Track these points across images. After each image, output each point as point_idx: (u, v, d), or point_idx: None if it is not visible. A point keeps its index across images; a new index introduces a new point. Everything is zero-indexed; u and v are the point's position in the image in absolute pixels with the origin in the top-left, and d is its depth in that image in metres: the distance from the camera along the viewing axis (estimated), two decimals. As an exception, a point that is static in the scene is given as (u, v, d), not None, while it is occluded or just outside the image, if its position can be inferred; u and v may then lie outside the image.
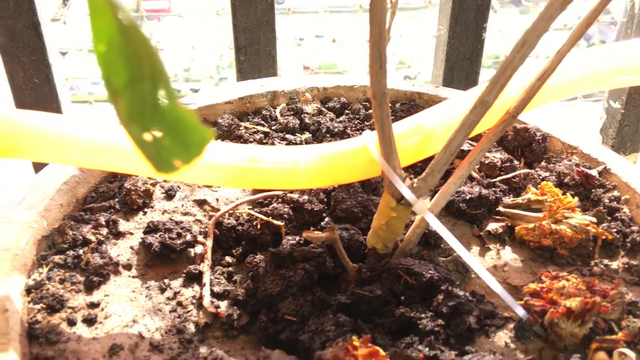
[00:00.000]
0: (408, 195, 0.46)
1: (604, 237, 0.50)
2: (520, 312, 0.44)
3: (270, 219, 0.53)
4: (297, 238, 0.51)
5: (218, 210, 0.57)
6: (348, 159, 0.49)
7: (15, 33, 0.80)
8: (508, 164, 0.58)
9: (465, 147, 0.60)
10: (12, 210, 0.50)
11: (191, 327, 0.46)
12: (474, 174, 0.58)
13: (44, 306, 0.44)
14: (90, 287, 0.47)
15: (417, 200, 0.47)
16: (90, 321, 0.44)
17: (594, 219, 0.51)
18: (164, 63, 0.22)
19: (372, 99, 0.45)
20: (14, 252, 0.46)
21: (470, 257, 0.45)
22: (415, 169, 0.61)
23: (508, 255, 0.51)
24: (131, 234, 0.53)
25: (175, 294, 0.48)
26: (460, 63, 0.90)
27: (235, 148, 0.48)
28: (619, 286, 0.44)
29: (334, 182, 0.51)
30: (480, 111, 0.44)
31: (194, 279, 0.50)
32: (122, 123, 0.25)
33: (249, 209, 0.55)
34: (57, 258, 0.48)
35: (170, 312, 0.47)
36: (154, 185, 0.58)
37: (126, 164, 0.45)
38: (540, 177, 0.57)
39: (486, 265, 0.51)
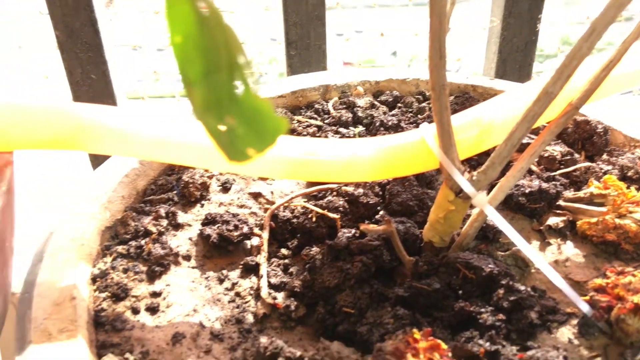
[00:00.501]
0: (467, 188, 0.46)
1: (671, 232, 0.48)
2: (585, 307, 0.43)
3: (325, 211, 0.53)
4: (353, 231, 0.51)
5: (273, 203, 0.57)
6: (406, 152, 0.49)
7: (74, 30, 0.82)
8: (568, 157, 0.57)
9: (524, 139, 0.59)
10: (76, 201, 0.52)
11: (250, 318, 0.46)
12: (534, 167, 0.57)
13: (109, 295, 0.46)
14: (152, 277, 0.48)
15: (477, 193, 0.46)
16: (153, 310, 0.45)
17: (661, 214, 0.49)
18: (243, 51, 0.22)
19: (431, 91, 0.45)
20: (79, 242, 0.48)
21: (532, 251, 0.44)
22: (470, 162, 0.60)
23: (570, 250, 0.50)
24: (189, 225, 0.54)
25: (233, 284, 0.49)
26: (514, 55, 0.89)
27: (294, 141, 0.48)
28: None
29: (392, 175, 0.50)
30: (544, 103, 0.43)
31: (251, 270, 0.50)
32: (197, 113, 0.25)
33: (304, 201, 0.56)
34: (120, 248, 0.49)
35: (229, 302, 0.47)
36: (210, 178, 0.59)
37: (188, 156, 0.46)
38: (602, 171, 0.55)
39: (547, 260, 0.50)
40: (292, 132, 0.64)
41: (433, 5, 0.41)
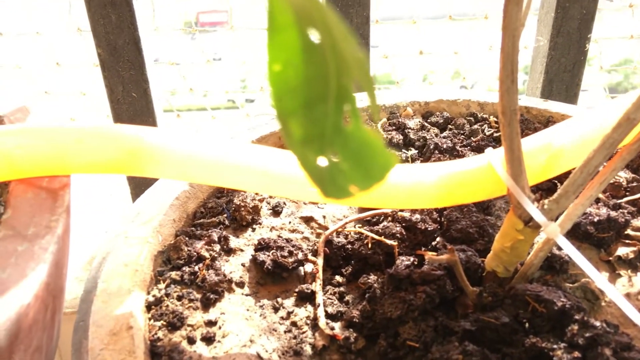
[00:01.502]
0: (538, 217, 0.44)
1: None
2: (666, 347, 0.40)
3: (382, 238, 0.51)
4: (412, 259, 0.49)
5: (325, 227, 0.56)
6: (472, 179, 0.47)
7: (117, 48, 0.82)
8: (634, 184, 0.55)
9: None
10: (128, 225, 0.51)
11: (308, 349, 0.44)
12: (600, 195, 0.55)
13: (165, 323, 0.44)
14: (207, 305, 0.47)
15: (548, 223, 0.44)
16: (209, 340, 0.44)
17: None
18: (364, 77, 0.20)
19: (500, 115, 0.43)
20: (133, 268, 0.47)
21: (607, 282, 0.42)
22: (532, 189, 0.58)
23: (642, 283, 0.48)
24: (242, 250, 0.52)
25: (289, 313, 0.47)
26: (561, 75, 0.86)
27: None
28: None
29: (456, 202, 0.49)
30: (625, 129, 0.41)
31: (306, 298, 0.49)
32: (293, 146, 0.23)
33: (358, 227, 0.54)
34: (173, 274, 0.48)
35: (286, 332, 0.46)
36: (261, 201, 0.57)
37: (250, 182, 0.45)
38: (671, 199, 0.53)
39: (618, 293, 0.47)
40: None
41: (507, 25, 0.40)
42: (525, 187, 0.45)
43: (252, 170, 0.45)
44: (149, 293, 0.46)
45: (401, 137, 0.65)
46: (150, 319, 0.44)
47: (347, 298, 0.49)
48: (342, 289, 0.50)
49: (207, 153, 0.44)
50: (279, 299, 0.48)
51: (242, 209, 0.55)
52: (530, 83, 0.92)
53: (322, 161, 0.23)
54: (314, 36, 0.20)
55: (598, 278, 0.42)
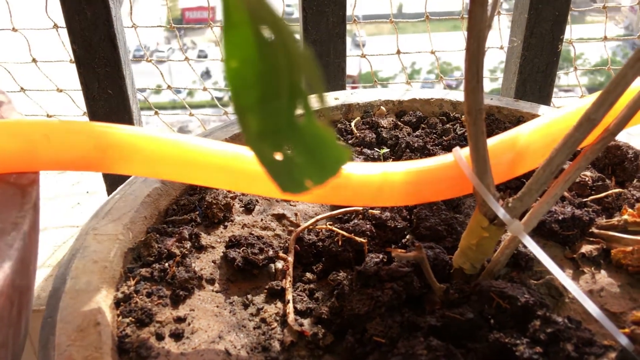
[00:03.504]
0: (502, 215, 0.45)
1: None
2: (624, 341, 0.41)
3: (352, 235, 0.52)
4: (381, 256, 0.50)
5: (297, 225, 0.56)
6: (439, 177, 0.48)
7: (92, 45, 0.82)
8: (599, 183, 0.56)
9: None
10: (99, 222, 0.51)
11: (276, 345, 0.45)
12: (565, 193, 0.56)
13: (133, 320, 0.44)
14: (176, 301, 0.47)
15: (512, 220, 0.45)
16: (177, 336, 0.44)
17: (699, 244, 0.48)
18: (311, 76, 0.21)
19: (466, 115, 0.44)
20: (102, 265, 0.47)
21: (569, 280, 0.43)
22: (498, 187, 0.59)
23: (604, 279, 0.49)
24: (213, 247, 0.53)
25: (259, 310, 0.48)
26: (534, 76, 0.88)
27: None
28: None
29: (424, 200, 0.49)
30: (586, 129, 0.42)
31: (276, 295, 0.49)
32: (250, 142, 0.24)
33: (329, 224, 0.55)
34: (143, 271, 0.48)
35: (255, 328, 0.46)
36: (233, 199, 0.57)
37: (219, 179, 0.45)
38: (634, 197, 0.54)
39: (581, 290, 0.48)
40: (315, 152, 0.63)
41: (472, 26, 0.41)
42: (491, 185, 0.46)
43: (222, 168, 0.45)
44: (118, 290, 0.46)
45: (374, 135, 0.65)
46: (118, 316, 0.44)
47: (317, 295, 0.50)
48: (312, 285, 0.50)
49: (176, 151, 0.44)
50: (249, 296, 0.49)
51: (214, 206, 0.55)
52: (505, 83, 0.93)
53: (279, 156, 0.23)
54: (267, 34, 0.21)
55: (560, 275, 0.43)
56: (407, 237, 0.54)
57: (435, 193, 0.48)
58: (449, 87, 1.23)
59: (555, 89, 0.92)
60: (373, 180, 0.46)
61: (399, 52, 1.09)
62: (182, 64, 1.10)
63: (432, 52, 1.10)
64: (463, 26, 0.95)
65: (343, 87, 0.89)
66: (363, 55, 1.11)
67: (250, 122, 0.23)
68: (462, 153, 0.47)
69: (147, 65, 1.09)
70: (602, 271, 0.50)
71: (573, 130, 0.42)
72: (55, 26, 0.93)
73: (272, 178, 0.24)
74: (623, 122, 0.45)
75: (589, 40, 1.06)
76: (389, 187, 0.46)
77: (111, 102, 0.87)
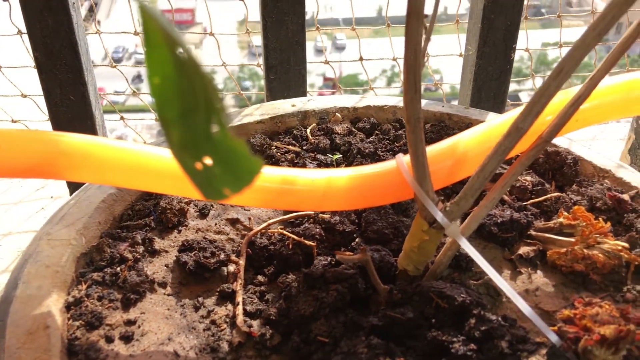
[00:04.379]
0: (441, 219, 0.47)
1: (636, 262, 0.50)
2: (553, 338, 0.44)
3: (302, 239, 0.54)
4: (329, 259, 0.52)
5: (250, 229, 0.58)
6: (381, 182, 0.50)
7: (54, 52, 0.82)
8: (539, 187, 0.58)
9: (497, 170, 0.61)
10: (53, 227, 0.52)
11: (225, 346, 0.46)
12: (505, 197, 0.58)
13: (83, 323, 0.45)
14: (127, 305, 0.48)
15: (450, 224, 0.47)
16: (127, 338, 0.45)
17: (627, 245, 0.50)
18: (218, 95, 0.23)
19: (406, 123, 0.46)
20: (54, 269, 0.48)
21: (503, 281, 0.45)
22: (445, 191, 0.61)
23: (540, 279, 0.51)
24: (166, 252, 0.54)
25: (209, 312, 0.49)
26: (489, 83, 0.91)
27: (270, 170, 0.48)
28: (654, 314, 0.43)
29: (368, 204, 0.51)
30: (514, 137, 0.44)
31: (227, 297, 0.51)
32: (174, 152, 0.26)
33: (281, 228, 0.56)
34: (95, 275, 0.49)
35: (204, 330, 0.47)
36: (188, 204, 0.59)
37: (166, 185, 0.46)
38: (572, 201, 0.57)
39: (518, 289, 0.51)
40: (271, 158, 0.65)
41: (408, 40, 0.43)
42: (430, 191, 0.48)
43: (170, 175, 0.47)
44: (69, 294, 0.48)
45: (328, 141, 0.67)
46: (69, 319, 0.46)
47: (267, 297, 0.51)
48: (262, 288, 0.52)
49: (125, 158, 0.46)
50: (200, 299, 0.50)
51: (168, 211, 0.57)
52: (461, 90, 0.96)
53: (199, 166, 0.25)
54: (182, 55, 0.23)
55: (493, 275, 0.46)
56: (356, 240, 0.56)
57: (379, 198, 0.50)
58: (429, 90, 1.26)
59: (532, 93, 0.95)
60: (318, 186, 0.48)
61: (361, 58, 1.12)
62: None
63: (394, 59, 1.12)
64: (440, 31, 0.97)
65: (304, 94, 0.91)
66: (327, 62, 1.14)
67: (172, 134, 0.25)
68: (404, 159, 0.50)
69: (124, 67, 1.10)
70: (539, 271, 0.52)
71: (503, 138, 0.45)
72: (19, 32, 0.94)
73: (195, 186, 0.26)
74: (555, 129, 0.48)
75: (546, 48, 1.08)
76: (333, 192, 0.48)
77: (73, 107, 0.88)
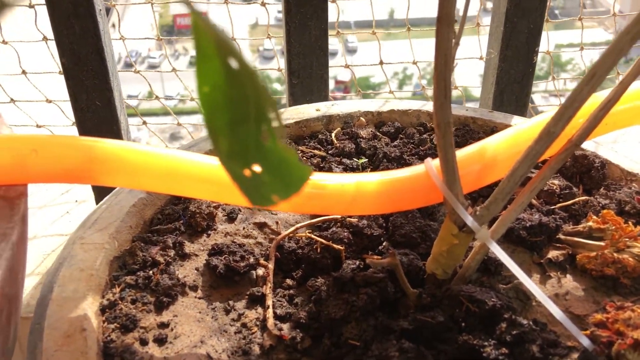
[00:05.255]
0: (471, 223, 0.47)
1: (668, 267, 0.49)
2: (586, 342, 0.44)
3: (330, 242, 0.54)
4: (357, 262, 0.52)
5: (278, 233, 0.58)
6: (411, 186, 0.50)
7: (80, 57, 0.84)
8: (567, 191, 0.58)
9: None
10: (86, 231, 0.53)
11: (256, 349, 0.47)
12: (534, 201, 0.58)
13: (118, 325, 0.46)
14: (160, 308, 0.49)
15: (480, 228, 0.47)
16: (161, 341, 0.46)
17: (658, 249, 0.50)
18: (272, 105, 0.23)
19: (435, 128, 0.46)
20: (89, 273, 0.49)
21: (533, 285, 0.45)
22: (471, 195, 0.61)
23: (569, 283, 0.51)
24: (196, 255, 0.55)
25: (240, 315, 0.50)
26: (511, 86, 0.91)
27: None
28: (688, 319, 0.43)
29: (397, 208, 0.52)
30: (545, 142, 0.44)
31: (257, 300, 0.51)
32: (222, 160, 0.26)
33: (308, 232, 0.57)
34: (128, 279, 0.50)
35: (236, 333, 0.48)
36: (216, 208, 0.60)
37: (200, 189, 0.47)
38: (600, 205, 0.57)
39: (548, 293, 0.51)
40: (296, 162, 0.65)
41: (439, 45, 0.43)
42: (459, 194, 0.48)
43: (204, 180, 0.47)
44: (103, 297, 0.48)
45: (353, 145, 0.68)
46: (104, 322, 0.46)
47: (296, 300, 0.52)
48: (291, 291, 0.52)
49: (159, 163, 0.46)
50: (231, 302, 0.51)
51: (197, 215, 0.57)
52: (483, 93, 0.96)
53: (248, 173, 0.26)
54: (234, 65, 0.23)
55: (524, 279, 0.46)
56: (384, 244, 0.56)
57: (408, 202, 0.51)
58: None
59: (546, 95, 0.95)
60: (347, 190, 0.48)
61: (382, 62, 1.12)
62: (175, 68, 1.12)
63: (414, 63, 1.12)
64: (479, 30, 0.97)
65: (326, 98, 0.91)
66: (347, 66, 1.14)
67: (221, 143, 0.26)
68: (433, 164, 0.50)
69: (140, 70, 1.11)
70: (568, 275, 0.52)
71: (534, 143, 0.45)
72: (45, 39, 0.95)
73: (243, 193, 0.26)
74: (585, 133, 0.48)
75: (563, 50, 1.08)
76: (362, 197, 0.49)
77: (99, 113, 0.89)
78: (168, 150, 0.48)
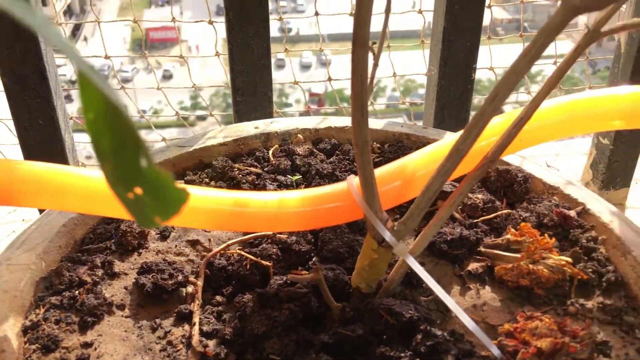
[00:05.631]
0: (389, 238, 0.49)
1: (579, 277, 0.52)
2: (495, 351, 0.46)
3: (258, 259, 0.55)
4: (285, 278, 0.53)
5: (210, 250, 0.59)
6: (332, 203, 0.51)
7: (22, 77, 0.84)
8: (490, 205, 0.61)
9: (448, 188, 0.63)
10: (13, 252, 0.53)
11: (180, 366, 0.47)
12: (457, 215, 0.60)
13: (39, 346, 0.46)
14: (84, 327, 0.49)
15: (397, 242, 0.49)
16: (83, 360, 0.46)
17: (570, 259, 0.53)
18: (139, 135, 0.24)
19: (354, 146, 0.48)
20: (12, 294, 0.49)
21: (447, 296, 0.47)
22: (402, 209, 0.63)
23: (487, 294, 0.53)
24: (126, 274, 0.55)
25: (166, 333, 0.50)
26: (451, 102, 0.93)
27: (223, 194, 0.50)
28: (590, 326, 0.45)
29: (321, 224, 0.53)
30: (455, 159, 0.46)
31: (185, 318, 0.52)
32: (109, 183, 0.27)
33: (239, 249, 0.58)
34: (53, 299, 0.50)
35: (160, 351, 0.49)
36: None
37: (121, 210, 0.48)
38: (521, 218, 0.59)
39: (466, 304, 0.53)
40: (232, 179, 0.66)
41: (355, 66, 0.44)
42: (378, 211, 0.49)
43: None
44: (26, 318, 0.48)
45: (289, 162, 0.69)
46: (25, 343, 0.47)
47: (224, 317, 0.52)
48: (220, 308, 0.53)
49: (80, 184, 0.47)
50: (158, 320, 0.51)
51: (129, 234, 0.58)
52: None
53: (131, 195, 0.27)
54: (109, 95, 0.24)
55: (439, 291, 0.47)
56: (314, 259, 0.57)
57: (331, 218, 0.52)
58: (414, 104, 1.29)
59: (517, 106, 0.97)
60: (270, 207, 0.49)
61: (330, 79, 1.14)
62: (147, 82, 1.12)
63: (394, 75, 1.13)
64: (424, 47, 0.99)
65: (271, 115, 0.92)
66: (295, 82, 1.16)
67: (106, 167, 0.27)
68: (355, 181, 0.51)
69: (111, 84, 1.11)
70: (487, 287, 0.54)
71: (445, 160, 0.47)
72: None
73: (130, 214, 0.27)
74: (500, 150, 0.50)
75: (499, 67, 1.11)
76: (285, 213, 0.50)
77: (43, 131, 0.89)
78: (89, 171, 0.49)
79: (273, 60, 0.89)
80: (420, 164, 0.53)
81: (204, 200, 0.49)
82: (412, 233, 0.59)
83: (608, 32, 0.47)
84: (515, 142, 0.53)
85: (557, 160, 1.20)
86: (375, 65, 0.53)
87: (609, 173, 1.03)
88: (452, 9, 0.86)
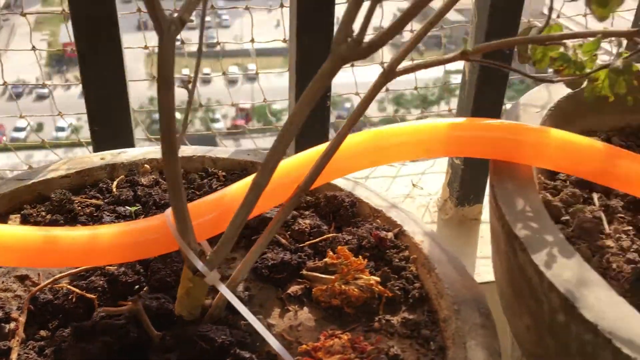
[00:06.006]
0: (201, 267, 0.51)
1: (385, 294, 0.56)
2: (294, 369, 0.49)
3: (84, 292, 0.56)
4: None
5: (39, 284, 0.59)
6: (151, 235, 0.53)
7: None
8: (316, 230, 0.64)
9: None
10: None
11: (-10, 405, 0.47)
12: (283, 241, 0.63)
13: None
14: None
15: (210, 272, 0.51)
16: None
17: (379, 279, 0.57)
18: None
19: (167, 181, 0.50)
20: None
21: (254, 319, 0.50)
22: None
23: (304, 315, 0.57)
24: (-57, 314, 0.54)
25: (-19, 372, 0.50)
26: (311, 124, 0.97)
27: (33, 231, 0.51)
28: (381, 341, 0.50)
29: (139, 256, 0.55)
30: (256, 192, 0.49)
31: (3, 354, 0.52)
32: None
33: (67, 282, 0.58)
34: None
35: (-27, 390, 0.48)
36: (-26, 263, 0.59)
37: None
38: (344, 241, 0.63)
39: (284, 325, 0.56)
40: (70, 212, 0.66)
41: (161, 107, 0.46)
42: (192, 242, 0.52)
43: None
44: None
45: (132, 193, 0.70)
46: None
47: (46, 351, 0.53)
48: (43, 342, 0.54)
49: None
50: (-26, 359, 0.51)
51: (-50, 272, 0.57)
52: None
53: None
54: None
55: (247, 315, 0.50)
56: (145, 289, 0.59)
57: (150, 250, 0.54)
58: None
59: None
60: (79, 242, 0.51)
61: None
62: (66, 99, 1.09)
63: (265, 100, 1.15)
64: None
65: (132, 144, 0.93)
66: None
67: None
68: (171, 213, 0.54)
69: (26, 102, 1.07)
70: (305, 308, 0.57)
71: (248, 192, 0.50)
72: None
73: None
74: (311, 180, 0.53)
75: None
76: (99, 247, 0.51)
77: None
78: None
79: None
80: (238, 195, 0.56)
81: (15, 239, 0.49)
82: (227, 262, 0.62)
83: (402, 71, 0.52)
84: (333, 171, 0.58)
85: (423, 178, 1.28)
86: (190, 102, 0.56)
87: (463, 191, 1.10)
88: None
